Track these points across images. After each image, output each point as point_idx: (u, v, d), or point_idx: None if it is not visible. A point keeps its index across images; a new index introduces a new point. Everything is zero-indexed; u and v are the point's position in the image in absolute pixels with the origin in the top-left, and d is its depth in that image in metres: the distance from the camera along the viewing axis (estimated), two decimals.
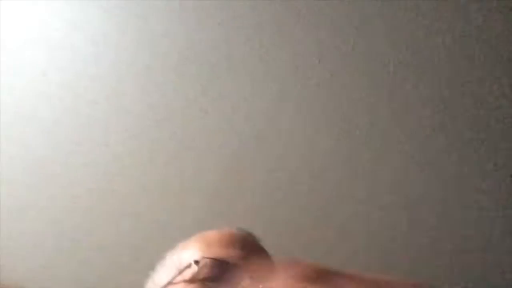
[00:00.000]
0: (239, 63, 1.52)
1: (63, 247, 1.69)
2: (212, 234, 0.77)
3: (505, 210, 1.53)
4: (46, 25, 1.52)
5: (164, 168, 1.62)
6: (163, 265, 0.77)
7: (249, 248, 0.74)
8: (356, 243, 1.61)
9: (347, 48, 1.47)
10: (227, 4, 1.47)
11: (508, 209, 1.53)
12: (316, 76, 1.51)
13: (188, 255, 0.73)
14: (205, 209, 1.63)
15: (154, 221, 1.65)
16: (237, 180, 1.60)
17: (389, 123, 1.52)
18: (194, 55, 1.53)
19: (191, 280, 0.68)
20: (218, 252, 0.71)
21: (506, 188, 1.52)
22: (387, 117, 1.51)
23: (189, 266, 0.69)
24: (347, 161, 1.55)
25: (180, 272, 0.70)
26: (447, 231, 1.56)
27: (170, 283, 0.71)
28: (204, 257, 0.69)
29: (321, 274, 0.50)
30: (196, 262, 0.69)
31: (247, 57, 1.51)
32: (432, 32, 1.42)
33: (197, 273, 0.68)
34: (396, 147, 1.53)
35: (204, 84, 1.54)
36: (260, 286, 0.65)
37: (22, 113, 1.62)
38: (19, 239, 1.71)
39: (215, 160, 1.59)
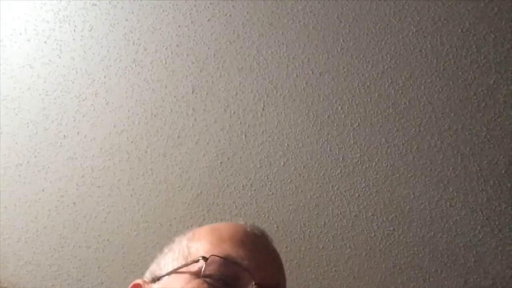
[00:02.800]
0: (229, 61, 1.51)
1: (50, 243, 1.68)
2: (225, 229, 0.74)
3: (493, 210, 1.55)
4: (34, 17, 1.50)
5: (152, 164, 1.61)
6: (170, 249, 0.75)
7: (260, 251, 0.71)
8: (345, 241, 1.62)
9: (337, 47, 1.48)
10: (217, 1, 1.47)
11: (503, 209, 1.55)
12: (305, 75, 1.51)
13: (198, 246, 0.71)
14: (193, 205, 1.63)
15: (142, 217, 1.65)
16: (225, 176, 1.60)
17: (378, 122, 1.53)
18: (183, 52, 1.52)
19: (197, 275, 0.67)
20: (229, 250, 0.69)
21: (503, 187, 1.54)
22: (377, 116, 1.52)
23: (197, 261, 0.68)
24: (335, 160, 1.56)
25: (187, 264, 0.69)
26: (439, 230, 1.58)
27: (175, 271, 0.70)
28: (213, 255, 0.67)
29: None
30: (205, 258, 0.67)
31: (236, 54, 1.51)
32: (422, 32, 1.43)
33: (204, 269, 0.67)
34: (385, 145, 1.54)
35: (193, 80, 1.54)
36: None
37: (7, 106, 1.60)
38: (5, 234, 1.69)
39: (203, 156, 1.59)
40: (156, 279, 0.73)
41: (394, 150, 1.54)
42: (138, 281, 0.76)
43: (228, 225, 0.75)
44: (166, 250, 0.76)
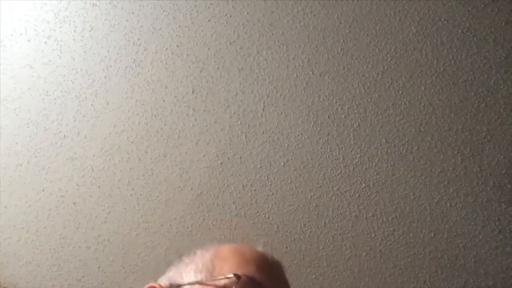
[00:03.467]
0: (229, 61, 1.52)
1: (50, 243, 1.68)
2: (249, 252, 0.79)
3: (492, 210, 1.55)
4: (34, 18, 1.51)
5: (152, 164, 1.61)
6: (192, 261, 0.78)
7: (277, 278, 0.77)
8: (345, 242, 1.62)
9: (337, 48, 1.48)
10: (217, 1, 1.47)
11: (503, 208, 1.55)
12: (305, 75, 1.51)
13: (223, 263, 0.75)
14: (193, 205, 1.63)
15: (142, 217, 1.65)
16: (225, 176, 1.60)
17: (378, 122, 1.53)
18: (183, 52, 1.52)
19: None
20: (254, 271, 0.74)
21: (501, 188, 1.54)
22: (377, 116, 1.52)
23: (228, 277, 0.72)
24: (335, 161, 1.56)
25: (216, 278, 0.73)
26: (439, 230, 1.58)
27: (200, 282, 0.73)
28: (244, 274, 0.72)
29: None
30: (238, 276, 0.71)
31: (236, 55, 1.51)
32: (422, 32, 1.43)
33: (234, 286, 0.71)
34: (385, 146, 1.54)
35: (193, 81, 1.54)
36: None
37: (8, 106, 1.60)
38: (5, 234, 1.69)
39: (204, 157, 1.59)
40: (175, 286, 0.76)
41: (394, 151, 1.54)
42: (154, 284, 0.78)
43: (250, 248, 0.81)
44: (187, 261, 0.79)
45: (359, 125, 1.53)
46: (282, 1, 1.45)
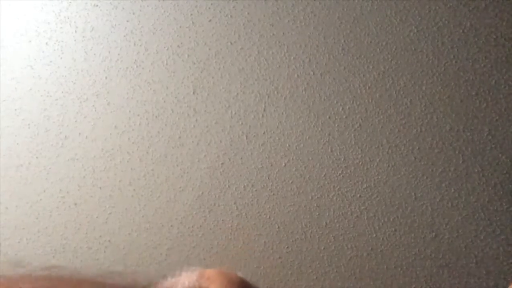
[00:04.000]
0: (230, 61, 1.52)
1: (51, 243, 1.68)
2: (233, 275, 0.83)
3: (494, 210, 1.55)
4: (35, 18, 1.51)
5: (154, 165, 1.62)
6: (178, 281, 0.81)
7: None
8: (346, 242, 1.61)
9: (338, 48, 1.48)
10: (218, 1, 1.47)
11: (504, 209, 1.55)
12: (306, 75, 1.51)
13: (211, 283, 0.79)
14: (194, 206, 1.63)
15: (143, 217, 1.65)
16: (226, 177, 1.60)
17: (379, 123, 1.53)
18: (184, 52, 1.52)
19: None
20: None
21: (503, 188, 1.54)
22: (378, 116, 1.52)
23: None
24: (336, 161, 1.56)
25: None
26: (441, 231, 1.58)
27: None
28: None
29: None
30: None
31: (237, 55, 1.51)
32: (423, 32, 1.43)
33: None
34: (386, 146, 1.54)
35: (194, 81, 1.54)
36: None
37: (9, 107, 1.60)
38: (6, 235, 1.69)
39: (205, 157, 1.59)
40: None
41: (395, 151, 1.54)
42: None
43: (233, 273, 0.86)
44: (172, 280, 0.81)
45: (360, 125, 1.53)
46: (283, 1, 1.45)
